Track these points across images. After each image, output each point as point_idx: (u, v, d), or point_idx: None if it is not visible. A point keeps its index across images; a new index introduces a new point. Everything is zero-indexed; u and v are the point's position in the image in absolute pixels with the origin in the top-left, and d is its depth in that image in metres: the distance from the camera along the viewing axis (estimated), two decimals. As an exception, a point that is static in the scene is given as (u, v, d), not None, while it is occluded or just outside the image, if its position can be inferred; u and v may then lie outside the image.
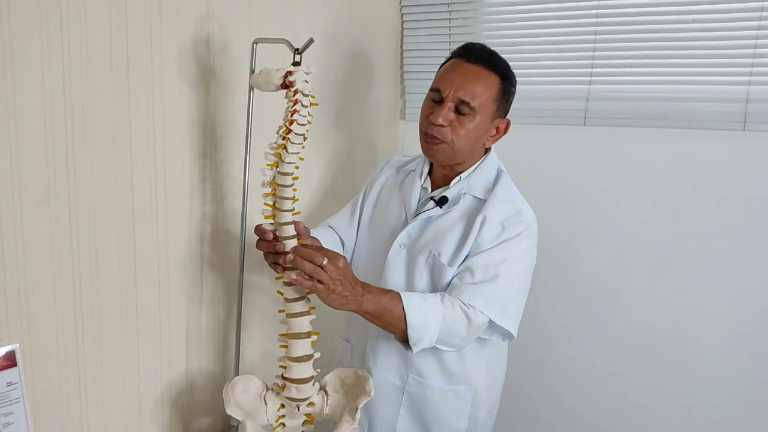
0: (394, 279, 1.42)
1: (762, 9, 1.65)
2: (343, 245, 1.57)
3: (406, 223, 1.45)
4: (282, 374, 1.24)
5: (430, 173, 1.49)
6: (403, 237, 1.43)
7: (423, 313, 1.26)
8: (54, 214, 1.15)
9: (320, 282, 1.16)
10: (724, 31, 1.71)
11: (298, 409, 1.25)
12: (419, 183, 1.48)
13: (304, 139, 1.16)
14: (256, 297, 1.66)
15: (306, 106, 1.15)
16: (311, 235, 1.36)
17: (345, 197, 1.88)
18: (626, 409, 1.95)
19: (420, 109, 1.43)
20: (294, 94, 1.14)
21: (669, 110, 1.79)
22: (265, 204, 1.21)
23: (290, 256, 1.17)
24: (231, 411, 1.22)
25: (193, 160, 1.42)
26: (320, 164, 1.88)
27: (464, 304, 1.29)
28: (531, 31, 1.96)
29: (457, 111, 1.35)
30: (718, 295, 1.79)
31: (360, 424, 1.44)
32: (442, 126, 1.35)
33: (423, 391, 1.43)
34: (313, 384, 1.25)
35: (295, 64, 1.17)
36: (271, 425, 1.26)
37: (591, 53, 1.88)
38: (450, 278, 1.36)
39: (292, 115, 1.14)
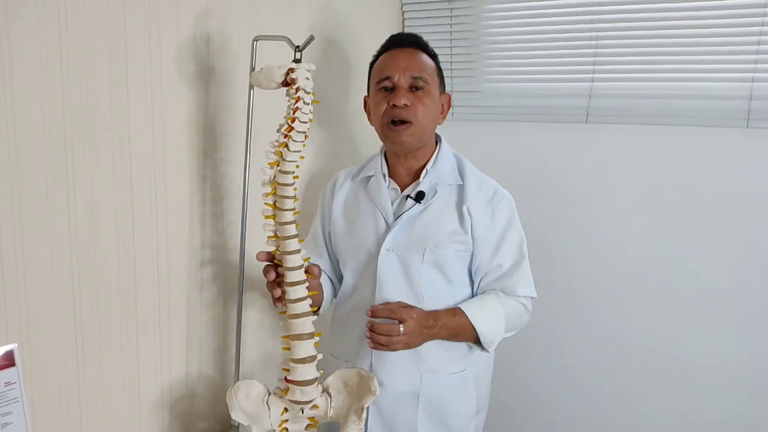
0: (392, 284, 1.42)
1: (766, 5, 1.64)
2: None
3: (387, 227, 1.44)
4: (285, 377, 1.22)
5: (391, 176, 1.50)
6: (389, 241, 1.42)
7: (488, 319, 1.39)
8: (53, 214, 1.14)
9: (406, 344, 1.30)
10: (727, 28, 1.70)
11: (302, 413, 1.23)
12: (385, 185, 1.48)
13: (306, 137, 1.14)
14: (256, 296, 1.65)
15: (308, 104, 1.13)
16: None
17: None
18: (624, 408, 1.94)
19: (366, 111, 1.51)
20: (296, 92, 1.13)
21: (672, 107, 1.78)
22: (265, 204, 1.20)
23: (369, 343, 1.31)
24: (236, 416, 1.20)
25: (192, 159, 1.41)
26: (321, 164, 1.87)
27: (516, 296, 1.44)
28: (533, 27, 1.94)
29: (413, 89, 1.42)
30: (721, 295, 1.77)
31: None
32: (407, 106, 1.40)
33: (438, 387, 1.44)
34: (317, 386, 1.23)
35: (296, 61, 1.16)
36: (275, 430, 1.24)
37: (593, 50, 1.86)
38: (466, 263, 1.44)
39: (294, 113, 1.12)
